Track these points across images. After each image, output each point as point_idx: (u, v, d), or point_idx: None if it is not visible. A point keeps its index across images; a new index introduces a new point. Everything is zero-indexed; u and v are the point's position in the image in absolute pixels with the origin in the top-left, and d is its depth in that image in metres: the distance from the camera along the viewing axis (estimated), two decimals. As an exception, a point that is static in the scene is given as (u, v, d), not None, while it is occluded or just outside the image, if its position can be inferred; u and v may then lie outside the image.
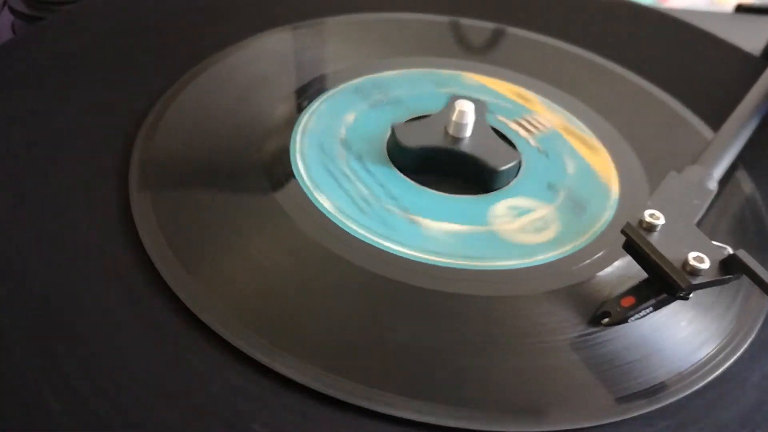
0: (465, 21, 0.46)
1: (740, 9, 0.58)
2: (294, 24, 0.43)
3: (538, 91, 0.41)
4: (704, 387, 0.26)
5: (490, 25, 0.46)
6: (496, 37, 0.46)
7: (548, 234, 0.32)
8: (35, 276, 0.27)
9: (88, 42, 0.39)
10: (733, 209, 0.35)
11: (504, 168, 0.34)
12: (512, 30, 0.46)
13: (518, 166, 0.35)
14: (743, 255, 0.26)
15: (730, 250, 0.27)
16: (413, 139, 0.34)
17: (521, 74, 0.42)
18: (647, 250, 0.27)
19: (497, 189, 0.34)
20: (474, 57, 0.44)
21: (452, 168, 0.35)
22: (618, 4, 0.51)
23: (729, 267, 0.26)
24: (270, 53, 0.41)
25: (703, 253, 0.26)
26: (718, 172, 0.32)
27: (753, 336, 0.29)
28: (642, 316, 0.28)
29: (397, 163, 0.34)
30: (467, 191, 0.34)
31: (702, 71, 0.46)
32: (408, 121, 0.37)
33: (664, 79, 0.43)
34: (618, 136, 0.39)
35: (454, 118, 0.35)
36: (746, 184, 0.36)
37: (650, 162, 0.37)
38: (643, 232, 0.27)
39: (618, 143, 0.38)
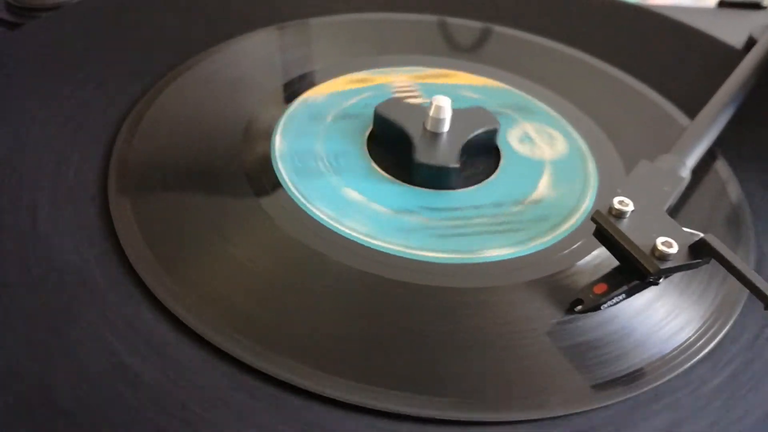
0: (452, 20, 0.47)
1: (723, 4, 0.58)
2: (278, 24, 0.44)
3: (521, 88, 0.41)
4: (685, 371, 0.27)
5: (476, 24, 0.46)
6: (482, 36, 0.46)
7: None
8: (16, 277, 0.27)
9: (68, 47, 0.39)
10: (719, 207, 0.35)
11: (499, 126, 0.37)
12: (497, 29, 0.46)
13: None
14: (711, 239, 0.26)
15: (701, 235, 0.27)
16: (439, 157, 0.34)
17: (504, 71, 0.43)
18: (616, 237, 0.27)
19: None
20: (460, 56, 0.44)
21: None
22: (602, 1, 0.52)
23: (698, 251, 0.26)
24: (249, 55, 0.41)
25: (672, 238, 0.26)
26: (691, 160, 0.32)
27: (734, 318, 0.29)
28: (615, 303, 0.28)
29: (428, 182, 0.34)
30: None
31: (686, 66, 0.46)
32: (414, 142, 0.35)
33: (649, 74, 0.44)
34: (599, 129, 0.39)
35: (431, 113, 0.35)
36: (733, 186, 0.36)
37: (633, 155, 0.36)
38: (612, 219, 0.27)
39: (599, 137, 0.38)
